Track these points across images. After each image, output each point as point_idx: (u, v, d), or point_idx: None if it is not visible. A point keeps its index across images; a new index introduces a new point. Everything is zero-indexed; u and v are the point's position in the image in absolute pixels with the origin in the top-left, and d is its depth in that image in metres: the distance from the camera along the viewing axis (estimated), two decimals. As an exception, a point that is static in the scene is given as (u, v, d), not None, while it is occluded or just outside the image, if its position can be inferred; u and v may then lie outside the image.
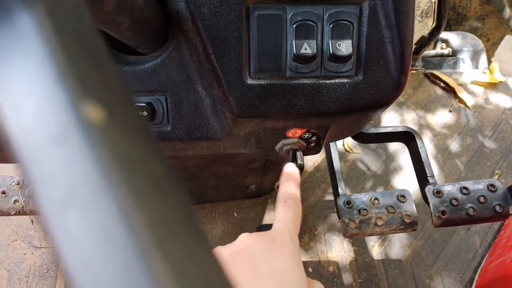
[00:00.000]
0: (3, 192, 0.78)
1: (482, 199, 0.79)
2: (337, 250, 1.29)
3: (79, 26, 0.11)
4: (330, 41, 0.44)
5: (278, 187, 0.55)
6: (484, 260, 1.27)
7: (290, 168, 0.48)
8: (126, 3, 0.29)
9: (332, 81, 0.46)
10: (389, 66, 0.45)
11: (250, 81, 0.45)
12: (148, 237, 0.09)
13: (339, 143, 1.50)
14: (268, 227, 0.38)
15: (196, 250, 0.10)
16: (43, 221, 0.09)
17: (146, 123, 0.11)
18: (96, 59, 0.11)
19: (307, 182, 1.43)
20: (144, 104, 0.49)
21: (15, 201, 0.78)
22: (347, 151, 1.51)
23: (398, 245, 1.31)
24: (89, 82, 0.10)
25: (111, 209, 0.09)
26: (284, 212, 0.40)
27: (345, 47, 0.44)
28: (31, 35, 0.10)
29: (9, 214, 0.79)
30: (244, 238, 0.36)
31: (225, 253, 0.35)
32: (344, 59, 0.44)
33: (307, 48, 0.43)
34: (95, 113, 0.10)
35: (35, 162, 0.09)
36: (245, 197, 1.35)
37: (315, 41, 0.44)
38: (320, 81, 0.45)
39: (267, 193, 1.35)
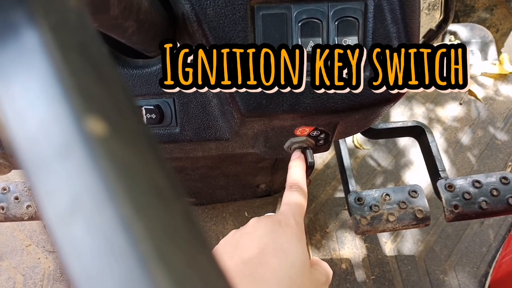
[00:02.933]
0: (16, 198, 0.79)
1: (495, 192, 0.78)
2: (349, 247, 1.29)
3: (83, 38, 0.11)
4: (336, 38, 0.44)
5: None
6: (498, 253, 1.26)
7: (296, 155, 0.53)
8: (132, 7, 0.29)
9: (339, 78, 0.45)
10: (396, 61, 0.45)
11: (256, 81, 0.45)
12: (149, 247, 0.09)
13: (349, 139, 1.50)
14: None
15: (198, 259, 0.10)
16: (49, 230, 0.09)
17: (150, 133, 0.12)
18: (99, 71, 0.11)
19: (318, 179, 1.42)
20: (152, 107, 0.49)
21: (28, 206, 0.79)
22: (357, 147, 1.50)
23: (411, 241, 1.30)
24: (92, 95, 0.10)
25: (114, 220, 0.09)
26: (289, 197, 0.45)
27: (351, 43, 0.44)
28: (35, 51, 0.10)
29: (22, 220, 0.79)
30: (254, 222, 0.40)
31: (237, 234, 0.40)
32: (350, 55, 0.44)
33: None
34: (98, 126, 0.10)
35: (40, 174, 0.09)
36: (256, 196, 1.35)
37: (320, 39, 0.44)
38: (327, 79, 0.45)
39: (277, 192, 1.35)
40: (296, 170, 0.50)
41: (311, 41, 0.43)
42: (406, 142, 1.52)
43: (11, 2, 0.11)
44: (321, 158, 1.47)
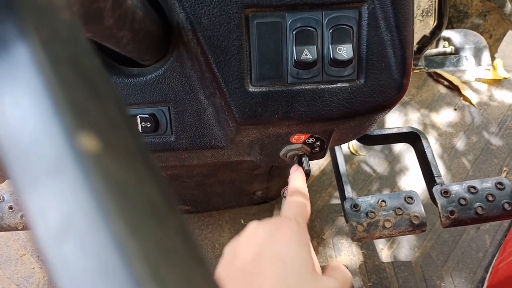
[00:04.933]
0: (10, 207, 0.78)
1: (490, 198, 0.78)
2: (346, 254, 1.28)
3: (75, 51, 0.11)
4: (330, 46, 0.44)
5: (284, 193, 0.55)
6: (495, 259, 1.26)
7: (294, 168, 0.52)
8: (126, 17, 0.29)
9: (334, 85, 0.46)
10: (391, 69, 0.45)
11: (251, 89, 0.45)
12: (143, 266, 0.09)
13: (344, 145, 1.50)
14: None
15: (194, 277, 0.10)
16: (40, 250, 0.09)
17: (144, 148, 0.11)
18: (92, 84, 0.11)
19: (314, 186, 1.42)
20: (147, 116, 0.49)
21: (22, 216, 0.78)
22: (352, 153, 1.50)
23: (407, 247, 1.30)
24: (84, 110, 0.10)
25: (106, 239, 0.09)
26: (291, 201, 0.44)
27: (345, 51, 0.44)
28: (27, 66, 0.10)
29: (16, 229, 0.79)
30: (253, 228, 0.39)
31: (237, 240, 0.38)
32: (345, 63, 0.44)
33: (308, 54, 0.43)
34: (90, 142, 0.10)
35: (31, 191, 0.09)
36: (252, 203, 1.35)
37: (315, 47, 0.44)
38: (322, 86, 0.45)
39: (273, 199, 1.35)
40: (296, 180, 0.49)
41: (306, 49, 0.43)
42: (402, 148, 1.52)
43: (1, 16, 0.10)
44: (317, 165, 1.47)
